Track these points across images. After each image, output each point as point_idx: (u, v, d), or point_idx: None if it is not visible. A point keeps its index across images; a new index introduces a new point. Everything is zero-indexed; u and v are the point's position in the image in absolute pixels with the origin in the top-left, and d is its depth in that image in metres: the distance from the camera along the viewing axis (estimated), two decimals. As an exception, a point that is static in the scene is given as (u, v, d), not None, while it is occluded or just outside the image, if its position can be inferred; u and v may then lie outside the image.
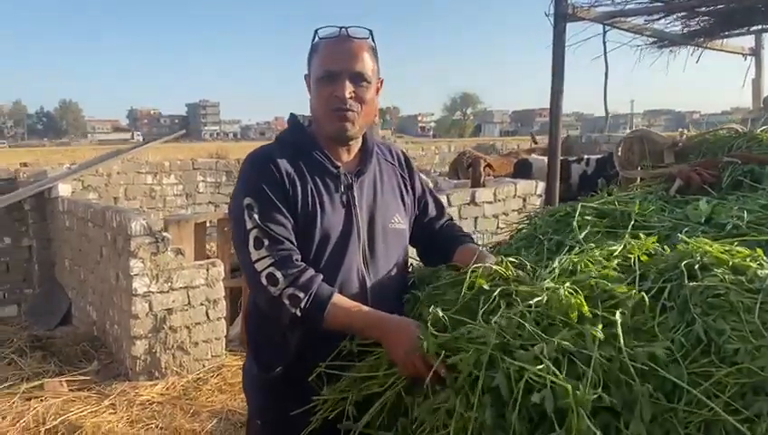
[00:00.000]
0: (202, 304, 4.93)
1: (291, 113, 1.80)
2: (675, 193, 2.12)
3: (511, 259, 1.58)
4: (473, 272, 1.50)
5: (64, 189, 6.77)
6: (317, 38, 1.67)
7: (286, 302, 1.52)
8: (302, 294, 1.52)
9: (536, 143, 12.21)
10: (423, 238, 1.91)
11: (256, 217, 1.56)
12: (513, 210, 6.32)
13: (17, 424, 4.05)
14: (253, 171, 1.64)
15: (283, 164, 1.62)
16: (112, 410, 4.29)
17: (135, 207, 8.01)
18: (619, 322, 1.25)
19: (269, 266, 1.53)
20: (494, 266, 1.52)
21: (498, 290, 1.40)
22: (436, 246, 1.87)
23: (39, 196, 6.88)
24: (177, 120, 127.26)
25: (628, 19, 5.55)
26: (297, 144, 1.70)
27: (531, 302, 1.32)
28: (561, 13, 4.87)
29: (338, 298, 1.55)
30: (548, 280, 1.43)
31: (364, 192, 1.72)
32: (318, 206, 1.63)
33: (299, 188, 1.62)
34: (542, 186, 6.64)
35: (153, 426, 4.10)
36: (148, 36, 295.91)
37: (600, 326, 1.24)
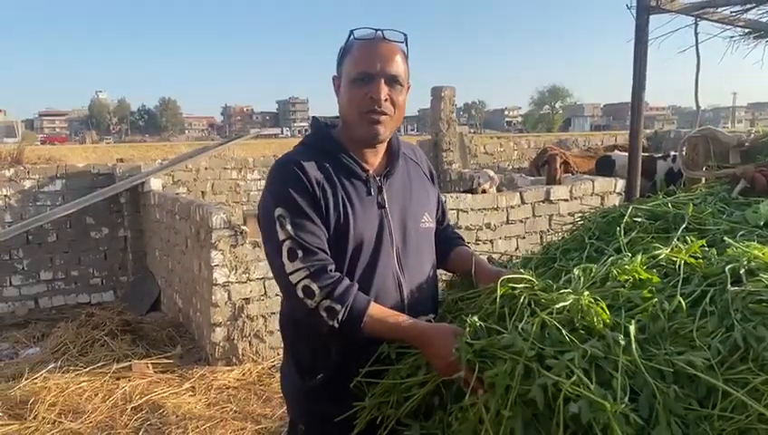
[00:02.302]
0: (277, 295, 5.05)
1: (313, 116, 1.79)
2: (738, 195, 2.03)
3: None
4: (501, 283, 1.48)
5: (156, 184, 7.21)
6: (352, 38, 1.62)
7: (323, 314, 1.51)
8: (338, 307, 1.50)
9: None
10: None
11: (289, 227, 1.53)
12: (591, 209, 6.15)
13: (107, 401, 4.40)
14: (281, 179, 1.60)
15: (312, 170, 1.59)
16: (192, 393, 4.57)
17: (221, 201, 8.40)
18: (632, 329, 1.25)
19: (304, 278, 1.51)
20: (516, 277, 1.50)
21: (526, 298, 1.41)
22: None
23: (133, 190, 7.38)
24: (268, 117, 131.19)
25: (719, 10, 5.29)
26: (324, 148, 1.67)
27: (553, 308, 1.33)
28: (643, 5, 4.71)
29: (374, 309, 1.54)
30: (570, 288, 1.42)
31: (394, 194, 1.70)
32: (350, 211, 1.60)
33: (329, 194, 1.59)
34: (621, 183, 6.43)
35: (228, 409, 4.33)
36: (242, 37, 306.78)
37: (623, 333, 1.25)
